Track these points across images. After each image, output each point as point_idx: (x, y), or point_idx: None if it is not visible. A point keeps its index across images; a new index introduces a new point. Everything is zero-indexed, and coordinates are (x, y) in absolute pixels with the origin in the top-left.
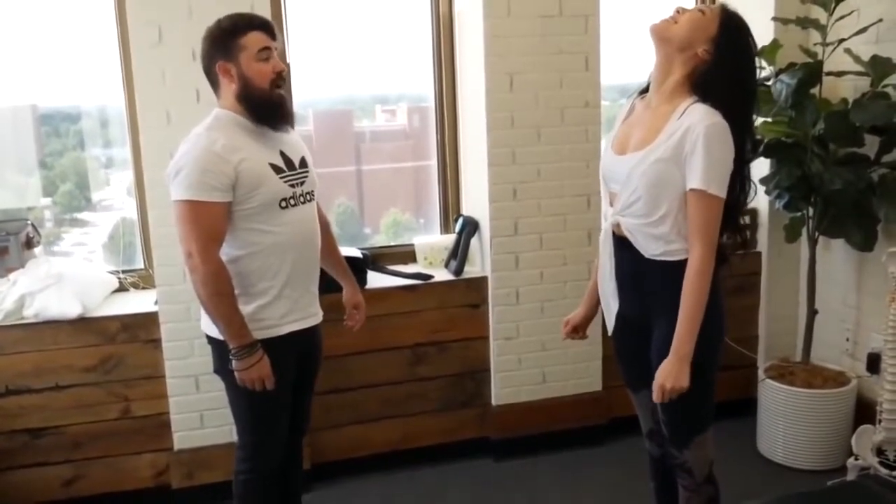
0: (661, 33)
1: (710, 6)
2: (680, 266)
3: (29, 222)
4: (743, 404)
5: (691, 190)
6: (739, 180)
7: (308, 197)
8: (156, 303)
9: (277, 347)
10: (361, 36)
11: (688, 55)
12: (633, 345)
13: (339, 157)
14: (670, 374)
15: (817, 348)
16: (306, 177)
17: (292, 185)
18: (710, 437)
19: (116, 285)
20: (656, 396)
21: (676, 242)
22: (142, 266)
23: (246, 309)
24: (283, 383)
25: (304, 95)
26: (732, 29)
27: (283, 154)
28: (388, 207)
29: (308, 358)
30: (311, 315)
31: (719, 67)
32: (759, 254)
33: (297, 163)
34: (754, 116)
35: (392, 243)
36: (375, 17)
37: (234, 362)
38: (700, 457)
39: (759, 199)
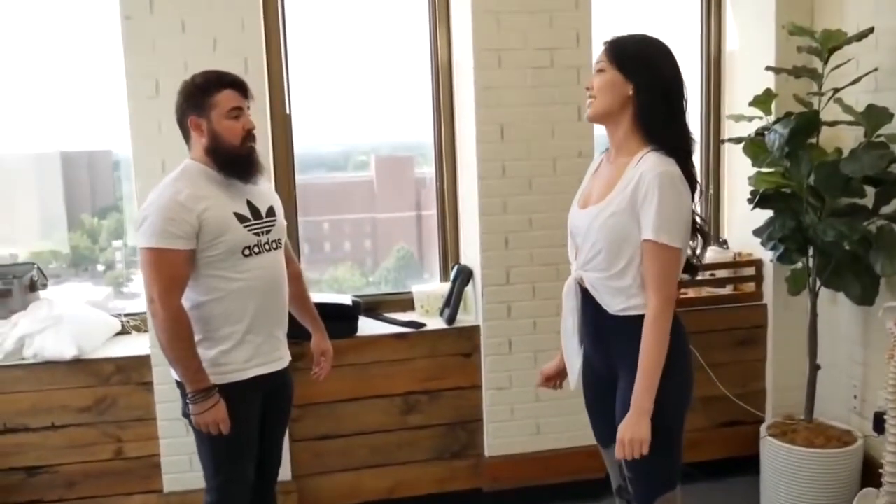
0: (595, 118)
1: (602, 55)
2: (643, 321)
3: (35, 266)
4: (748, 461)
5: (644, 240)
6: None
7: (275, 245)
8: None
9: (240, 391)
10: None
11: (625, 108)
12: (601, 399)
13: (400, 202)
14: (629, 427)
15: (826, 405)
16: (273, 225)
17: (257, 234)
18: (678, 496)
19: (119, 328)
20: (618, 452)
21: (639, 297)
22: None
23: (209, 353)
24: (246, 427)
25: (366, 140)
26: (629, 59)
27: (249, 203)
28: None
29: (274, 402)
30: (275, 360)
31: (650, 94)
32: (765, 306)
33: (263, 212)
34: (686, 110)
35: (390, 290)
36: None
37: (190, 406)
38: None
39: (764, 251)
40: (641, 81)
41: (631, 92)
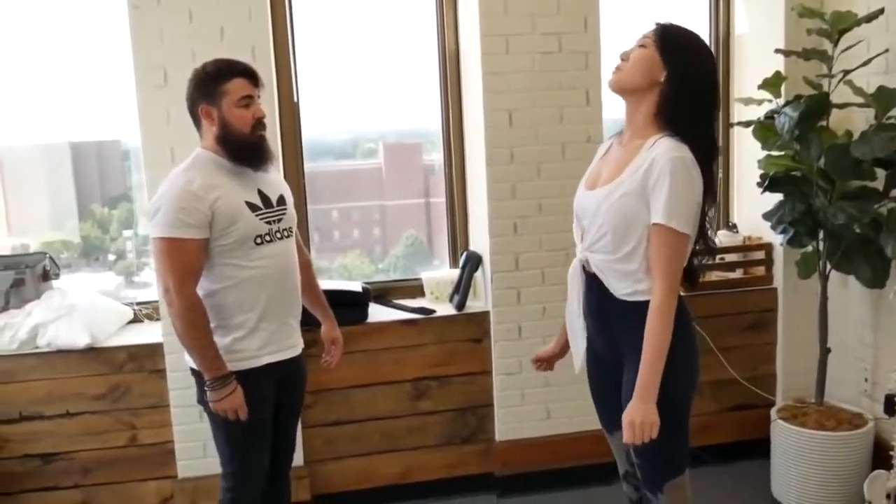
0: (617, 86)
1: (650, 33)
2: (649, 306)
3: (47, 256)
4: (758, 445)
5: (654, 224)
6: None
7: (286, 233)
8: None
9: (255, 378)
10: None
11: (651, 90)
12: (606, 385)
13: (409, 189)
14: (637, 412)
15: (837, 388)
16: (284, 214)
17: (269, 223)
18: (686, 481)
19: (131, 317)
20: (627, 436)
21: (645, 281)
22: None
23: (223, 341)
24: (260, 413)
25: (374, 127)
26: (675, 46)
27: (260, 192)
28: None
29: (288, 388)
30: (288, 347)
31: (680, 87)
32: (775, 289)
33: (274, 201)
34: (715, 117)
35: (400, 277)
36: None
37: (208, 393)
38: (676, 501)
39: (774, 234)
40: (676, 71)
41: (663, 78)
